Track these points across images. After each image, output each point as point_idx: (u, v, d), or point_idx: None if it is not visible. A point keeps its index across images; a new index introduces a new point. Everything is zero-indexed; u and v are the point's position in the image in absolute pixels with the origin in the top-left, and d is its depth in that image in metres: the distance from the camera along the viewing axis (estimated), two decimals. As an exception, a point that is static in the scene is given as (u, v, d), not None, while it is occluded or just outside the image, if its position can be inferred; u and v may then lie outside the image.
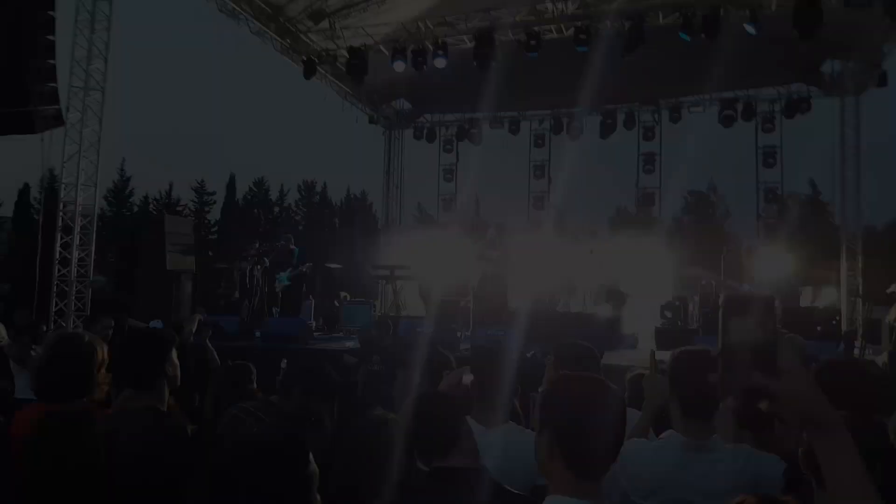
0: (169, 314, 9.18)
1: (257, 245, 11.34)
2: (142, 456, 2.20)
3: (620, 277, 12.01)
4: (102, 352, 2.59)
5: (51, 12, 8.93)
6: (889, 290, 8.85)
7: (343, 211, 42.94)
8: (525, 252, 11.22)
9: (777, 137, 14.66)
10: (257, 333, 8.60)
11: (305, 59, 13.43)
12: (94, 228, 10.97)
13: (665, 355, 2.27)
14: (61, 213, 10.78)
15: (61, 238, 10.67)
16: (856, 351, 10.03)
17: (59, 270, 10.69)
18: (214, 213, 41.28)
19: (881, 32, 11.76)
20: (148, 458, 2.19)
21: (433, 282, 11.48)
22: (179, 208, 40.50)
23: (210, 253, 37.54)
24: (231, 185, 41.33)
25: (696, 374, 1.98)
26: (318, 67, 13.45)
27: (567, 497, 1.33)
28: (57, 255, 10.52)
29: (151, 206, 40.28)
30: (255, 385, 3.45)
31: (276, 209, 43.06)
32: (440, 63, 12.17)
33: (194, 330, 5.75)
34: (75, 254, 10.71)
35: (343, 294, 14.19)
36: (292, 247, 10.16)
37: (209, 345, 5.59)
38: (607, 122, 15.16)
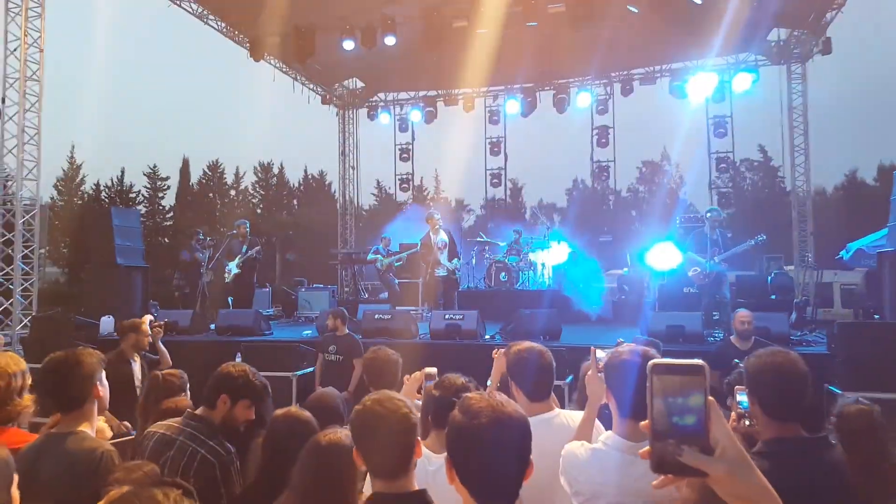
0: (120, 310, 8.86)
1: (201, 234, 10.99)
2: (59, 482, 2.11)
3: (579, 252, 12.15)
4: (22, 376, 2.45)
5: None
6: None
7: (301, 192, 42.10)
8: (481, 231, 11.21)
9: (727, 106, 14.91)
10: (212, 326, 8.38)
11: (251, 39, 12.97)
12: (39, 223, 10.54)
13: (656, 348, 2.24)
14: (2, 210, 10.29)
15: (3, 235, 10.21)
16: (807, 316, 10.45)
17: (1, 269, 10.23)
18: (169, 199, 39.97)
19: (825, 1, 11.99)
20: (65, 484, 2.10)
21: (391, 265, 11.41)
22: (132, 195, 39.03)
23: (166, 240, 36.51)
24: (185, 170, 40.02)
25: (631, 377, 1.97)
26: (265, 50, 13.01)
27: None
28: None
29: (104, 193, 38.71)
30: (187, 394, 3.35)
31: (233, 192, 41.91)
32: (389, 41, 11.90)
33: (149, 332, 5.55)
34: (19, 251, 10.26)
35: (301, 279, 14.00)
36: (246, 233, 9.87)
37: (161, 347, 5.41)
38: (559, 96, 15.17)
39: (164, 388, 3.33)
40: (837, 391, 5.33)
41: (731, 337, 5.68)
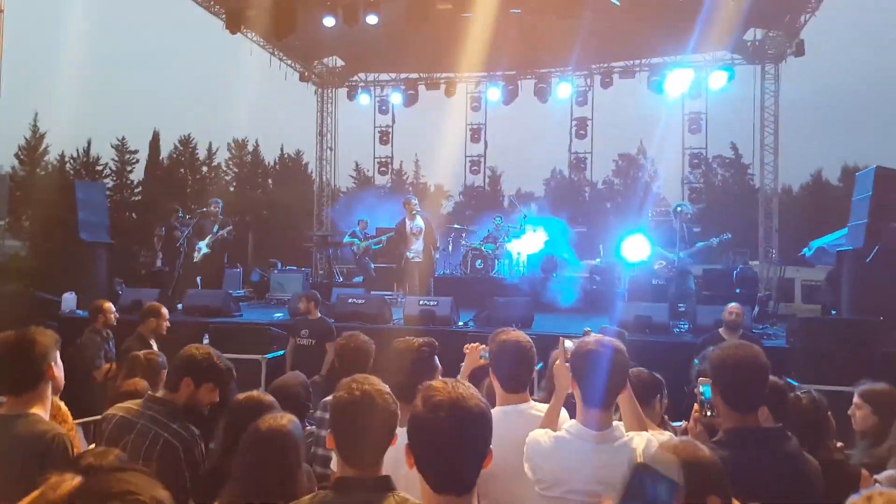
0: (84, 286, 8.64)
1: (181, 212, 10.77)
2: (5, 467, 2.06)
3: (554, 243, 12.25)
4: None
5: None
6: None
7: (277, 171, 41.45)
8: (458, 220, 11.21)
9: (703, 104, 15.13)
10: (179, 306, 8.24)
11: (228, 11, 12.64)
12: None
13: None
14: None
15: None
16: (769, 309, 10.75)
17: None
18: (137, 173, 38.94)
19: (800, 3, 12.20)
20: (12, 469, 2.04)
21: (368, 248, 11.36)
22: (99, 167, 37.94)
23: (133, 216, 35.64)
24: (154, 143, 38.96)
25: (596, 367, 2.01)
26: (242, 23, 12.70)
27: None
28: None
29: (69, 164, 37.52)
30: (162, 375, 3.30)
31: (205, 169, 41.02)
32: (372, 19, 11.72)
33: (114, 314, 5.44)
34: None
35: (273, 261, 13.84)
36: (216, 211, 9.68)
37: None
38: (540, 86, 15.20)
39: (146, 368, 3.28)
40: (794, 383, 5.53)
41: (720, 329, 5.77)
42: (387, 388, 1.77)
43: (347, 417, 1.68)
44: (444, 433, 1.40)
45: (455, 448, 1.41)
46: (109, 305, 5.68)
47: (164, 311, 5.19)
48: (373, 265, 11.39)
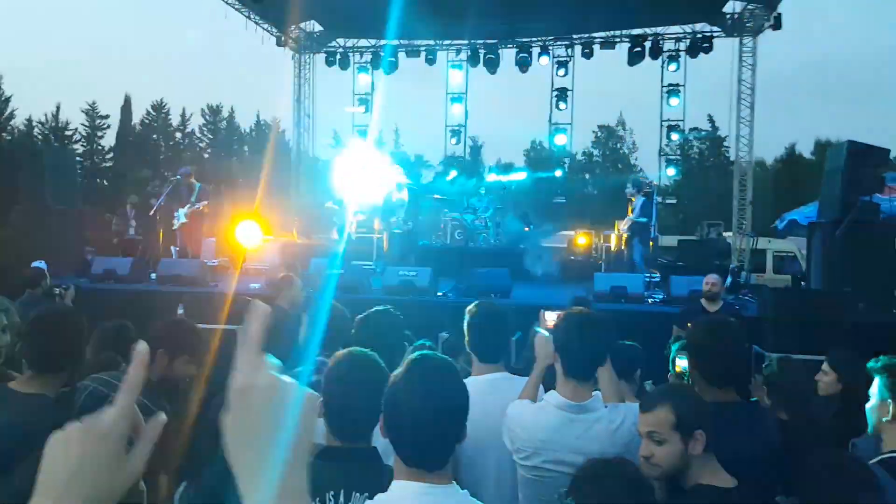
0: (52, 255, 8.43)
1: (151, 176, 10.52)
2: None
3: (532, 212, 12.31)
4: None
5: None
6: None
7: (253, 138, 40.65)
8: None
9: (681, 76, 15.14)
10: (152, 276, 8.10)
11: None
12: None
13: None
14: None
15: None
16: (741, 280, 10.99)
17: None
18: (108, 139, 37.85)
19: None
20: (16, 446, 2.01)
21: (346, 215, 11.24)
22: (69, 132, 36.79)
23: (104, 182, 34.76)
24: (126, 108, 37.81)
25: (579, 336, 2.04)
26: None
27: (403, 481, 1.40)
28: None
29: (36, 129, 36.28)
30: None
31: (178, 135, 40.02)
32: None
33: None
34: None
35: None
36: (193, 181, 9.47)
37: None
38: (521, 55, 15.02)
39: (116, 339, 3.22)
40: (763, 352, 5.69)
41: (702, 299, 5.88)
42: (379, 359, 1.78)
43: (345, 388, 1.68)
44: (417, 416, 1.38)
45: (422, 421, 1.38)
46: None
47: (299, 280, 4.98)
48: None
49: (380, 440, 1.64)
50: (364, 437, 1.70)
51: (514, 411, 2.07)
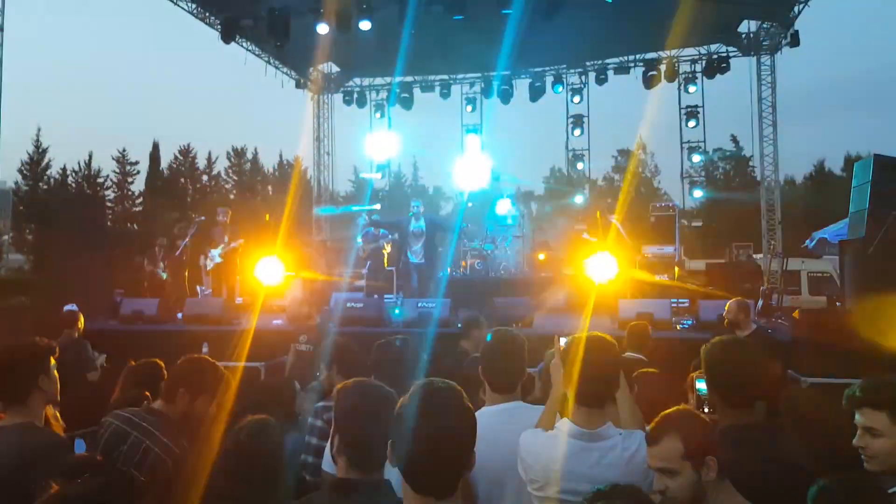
0: (84, 298, 8.64)
1: (177, 218, 10.79)
2: (13, 472, 2.05)
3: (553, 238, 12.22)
4: None
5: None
6: None
7: (276, 178, 41.51)
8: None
9: (699, 97, 15.09)
10: (179, 315, 8.23)
11: (223, 21, 12.66)
12: (2, 209, 10.19)
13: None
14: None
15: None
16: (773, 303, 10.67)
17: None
18: (138, 184, 39.06)
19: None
20: (19, 474, 2.03)
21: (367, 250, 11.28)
22: (101, 180, 38.07)
23: (135, 226, 35.71)
24: (155, 154, 39.06)
25: (588, 363, 1.98)
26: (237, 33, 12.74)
27: None
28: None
29: (70, 178, 37.65)
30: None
31: (205, 178, 41.09)
32: (365, 25, 11.72)
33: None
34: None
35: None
36: (226, 221, 9.71)
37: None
38: (535, 84, 15.18)
39: (142, 377, 3.25)
40: (799, 376, 5.47)
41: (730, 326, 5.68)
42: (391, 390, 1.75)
43: (357, 419, 1.66)
44: (422, 444, 1.37)
45: (429, 447, 1.37)
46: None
47: None
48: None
49: (393, 472, 1.61)
50: (378, 468, 1.67)
51: (527, 441, 2.01)
